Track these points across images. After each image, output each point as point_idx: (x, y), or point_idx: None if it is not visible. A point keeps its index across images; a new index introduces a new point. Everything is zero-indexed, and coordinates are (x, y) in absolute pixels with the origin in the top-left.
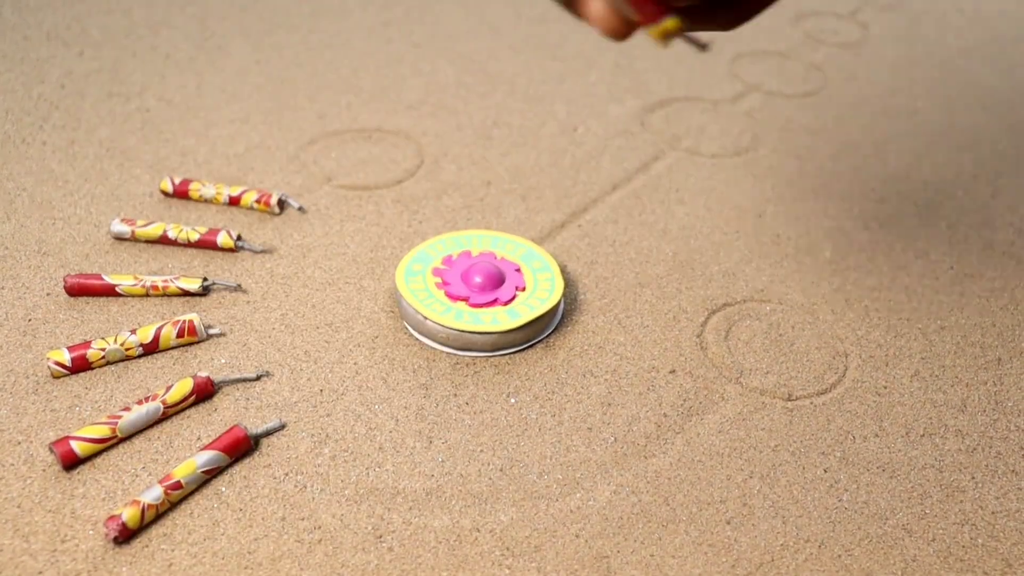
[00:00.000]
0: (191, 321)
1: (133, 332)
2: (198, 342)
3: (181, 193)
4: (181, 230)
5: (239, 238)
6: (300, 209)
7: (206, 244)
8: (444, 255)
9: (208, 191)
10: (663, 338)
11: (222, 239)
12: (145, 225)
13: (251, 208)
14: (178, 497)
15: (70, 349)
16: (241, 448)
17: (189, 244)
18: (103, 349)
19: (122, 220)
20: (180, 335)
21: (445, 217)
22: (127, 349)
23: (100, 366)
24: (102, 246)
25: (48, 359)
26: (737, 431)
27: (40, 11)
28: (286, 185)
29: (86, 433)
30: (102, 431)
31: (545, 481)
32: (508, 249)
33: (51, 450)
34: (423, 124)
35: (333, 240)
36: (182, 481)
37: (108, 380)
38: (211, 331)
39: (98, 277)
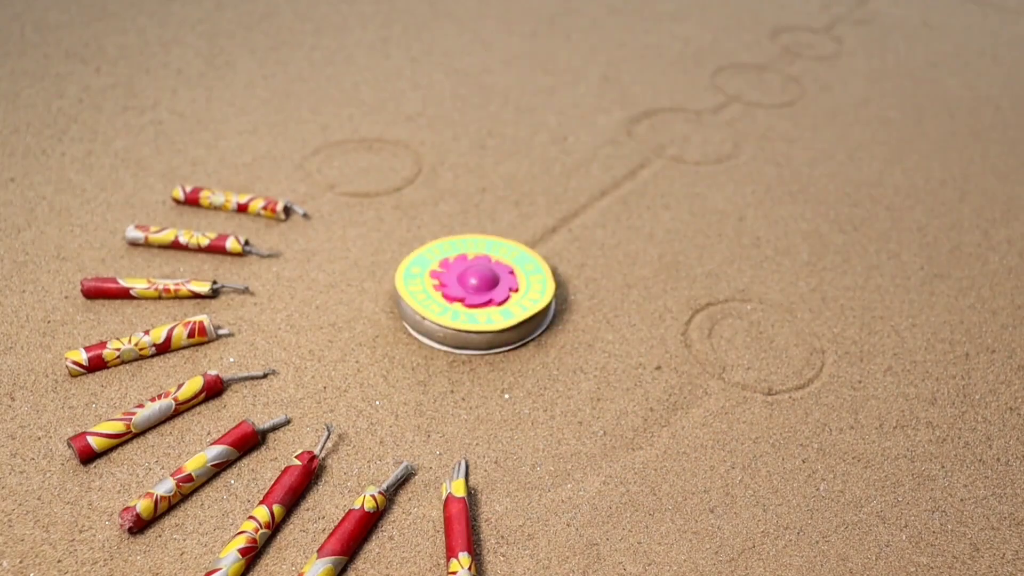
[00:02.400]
0: (201, 322)
1: (146, 333)
2: (208, 342)
3: (192, 201)
4: (192, 236)
5: (247, 243)
6: (304, 215)
7: (216, 249)
8: (441, 258)
9: (217, 199)
10: (649, 336)
11: (231, 244)
12: (158, 231)
13: (258, 215)
14: (189, 489)
15: (87, 349)
16: (249, 442)
17: (199, 249)
18: (118, 349)
19: (136, 227)
20: (191, 335)
21: (442, 222)
22: (141, 349)
23: (115, 365)
24: (117, 251)
25: (66, 359)
26: (720, 424)
27: (60, 31)
28: (291, 193)
29: (102, 429)
30: (117, 427)
31: (538, 473)
32: (502, 252)
33: (69, 445)
34: (421, 134)
35: (336, 245)
36: (193, 474)
37: (123, 378)
38: (220, 332)
39: (113, 281)
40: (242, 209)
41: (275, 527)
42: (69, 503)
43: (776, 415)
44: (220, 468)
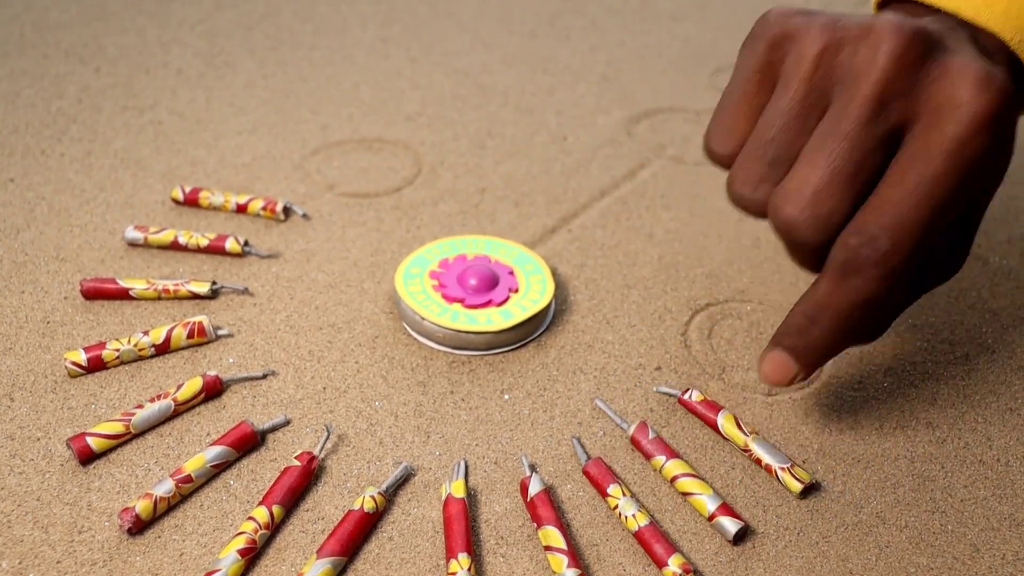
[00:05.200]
0: (201, 323)
1: (146, 333)
2: (207, 343)
3: (191, 201)
4: (191, 236)
5: (246, 244)
6: (304, 216)
7: (215, 250)
8: (441, 259)
9: (217, 199)
10: (649, 337)
11: (230, 245)
12: (157, 232)
13: (258, 215)
14: (188, 490)
15: (86, 350)
16: (248, 443)
17: (199, 250)
18: (118, 350)
19: (136, 227)
20: (190, 336)
21: (441, 223)
22: (140, 349)
23: (115, 366)
24: (117, 252)
25: (65, 359)
26: None
27: (59, 31)
28: (291, 193)
29: (101, 430)
30: (116, 428)
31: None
32: (502, 253)
33: (68, 446)
34: (421, 134)
35: (335, 245)
36: (192, 475)
37: (122, 379)
38: (220, 332)
39: (113, 281)
40: (241, 210)
41: (274, 527)
42: (68, 504)
43: (776, 416)
44: (220, 469)
